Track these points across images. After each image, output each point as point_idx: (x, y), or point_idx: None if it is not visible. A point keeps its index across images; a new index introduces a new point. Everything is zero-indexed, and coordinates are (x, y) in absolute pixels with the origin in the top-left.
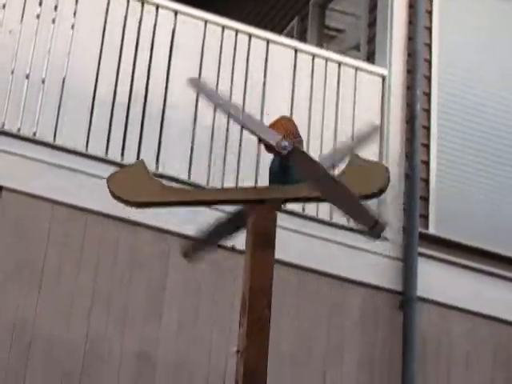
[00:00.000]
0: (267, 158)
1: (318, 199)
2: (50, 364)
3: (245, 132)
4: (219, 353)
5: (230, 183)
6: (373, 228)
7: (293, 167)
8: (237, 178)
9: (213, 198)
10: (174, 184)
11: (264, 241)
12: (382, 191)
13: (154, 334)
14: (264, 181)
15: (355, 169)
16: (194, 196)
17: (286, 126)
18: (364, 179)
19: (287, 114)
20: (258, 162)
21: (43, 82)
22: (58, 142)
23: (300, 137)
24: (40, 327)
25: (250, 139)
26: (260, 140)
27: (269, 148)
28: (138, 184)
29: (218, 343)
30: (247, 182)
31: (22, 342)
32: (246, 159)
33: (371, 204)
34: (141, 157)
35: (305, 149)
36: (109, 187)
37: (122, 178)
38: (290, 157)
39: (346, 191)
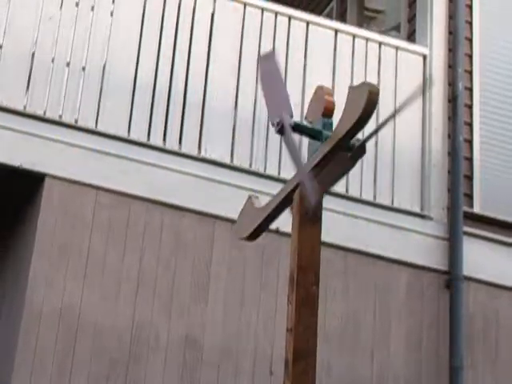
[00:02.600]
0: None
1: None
2: (96, 351)
3: None
4: (265, 337)
5: (272, 165)
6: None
7: (313, 133)
8: (279, 159)
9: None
10: (216, 168)
11: (310, 217)
12: (367, 111)
13: (201, 319)
14: None
15: (349, 101)
16: (267, 211)
17: (327, 101)
18: (354, 106)
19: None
20: (301, 141)
21: (84, 69)
22: (100, 128)
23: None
24: (86, 314)
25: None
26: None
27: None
28: (247, 219)
29: (264, 326)
30: (290, 163)
31: (69, 328)
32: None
33: (415, 183)
34: (182, 141)
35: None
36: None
37: (240, 220)
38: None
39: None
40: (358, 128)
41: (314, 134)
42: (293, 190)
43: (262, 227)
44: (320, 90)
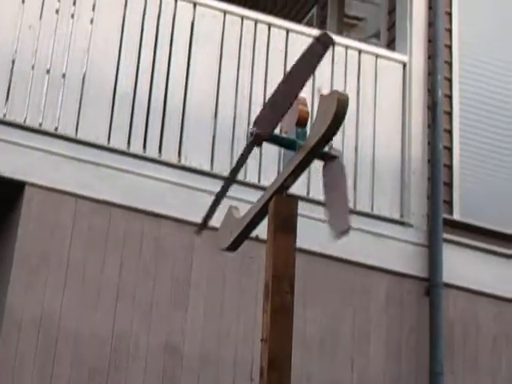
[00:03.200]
0: None
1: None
2: (76, 359)
3: None
4: (245, 344)
5: (252, 173)
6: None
7: (287, 143)
8: (259, 167)
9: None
10: (196, 176)
11: (285, 226)
12: (336, 120)
13: (180, 327)
14: None
15: (320, 110)
16: (244, 222)
17: (301, 110)
18: (324, 115)
19: (308, 102)
20: (280, 150)
21: (64, 76)
22: (80, 136)
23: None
24: (66, 322)
25: None
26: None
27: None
28: (227, 230)
29: (244, 334)
30: (270, 170)
31: (49, 336)
32: (269, 148)
33: (394, 190)
34: (162, 149)
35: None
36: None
37: (220, 231)
38: (262, 133)
39: None
40: (329, 136)
41: (288, 144)
42: (270, 199)
43: (242, 237)
44: (299, 103)
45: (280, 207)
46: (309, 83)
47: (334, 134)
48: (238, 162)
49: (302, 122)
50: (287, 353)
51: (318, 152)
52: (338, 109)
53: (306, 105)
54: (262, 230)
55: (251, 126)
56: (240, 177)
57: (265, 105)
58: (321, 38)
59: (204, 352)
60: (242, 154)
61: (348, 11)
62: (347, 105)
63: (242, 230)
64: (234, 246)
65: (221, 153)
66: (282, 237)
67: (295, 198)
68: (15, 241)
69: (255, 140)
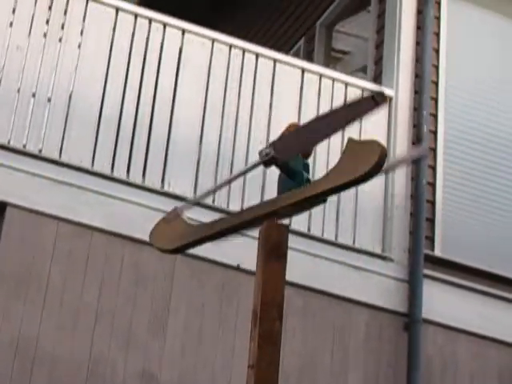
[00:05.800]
0: (274, 174)
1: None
2: (53, 382)
3: (251, 150)
4: (223, 373)
5: (235, 201)
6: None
7: (293, 173)
8: (243, 196)
9: (232, 224)
10: (178, 203)
11: (276, 252)
12: (372, 171)
13: (158, 354)
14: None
15: (351, 153)
16: (214, 228)
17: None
18: (359, 159)
19: None
20: (264, 179)
21: (49, 99)
22: (64, 158)
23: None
24: (43, 345)
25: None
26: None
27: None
28: (172, 231)
29: (221, 364)
30: (253, 199)
31: (25, 359)
32: (252, 176)
33: (377, 224)
34: (146, 174)
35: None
36: (150, 239)
37: (161, 228)
38: (278, 158)
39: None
40: (352, 185)
41: (292, 173)
42: (251, 221)
43: (196, 244)
44: (294, 127)
45: (271, 233)
46: (295, 114)
47: (358, 185)
48: (236, 175)
49: (306, 155)
50: (274, 380)
51: (328, 195)
52: (377, 162)
53: None
54: (243, 259)
55: (265, 147)
56: (222, 205)
57: (291, 132)
58: (376, 96)
59: (181, 380)
60: (247, 169)
61: (335, 44)
62: (385, 160)
63: (202, 237)
64: (180, 250)
65: (204, 180)
66: (272, 263)
67: (286, 226)
68: None
69: (269, 161)
